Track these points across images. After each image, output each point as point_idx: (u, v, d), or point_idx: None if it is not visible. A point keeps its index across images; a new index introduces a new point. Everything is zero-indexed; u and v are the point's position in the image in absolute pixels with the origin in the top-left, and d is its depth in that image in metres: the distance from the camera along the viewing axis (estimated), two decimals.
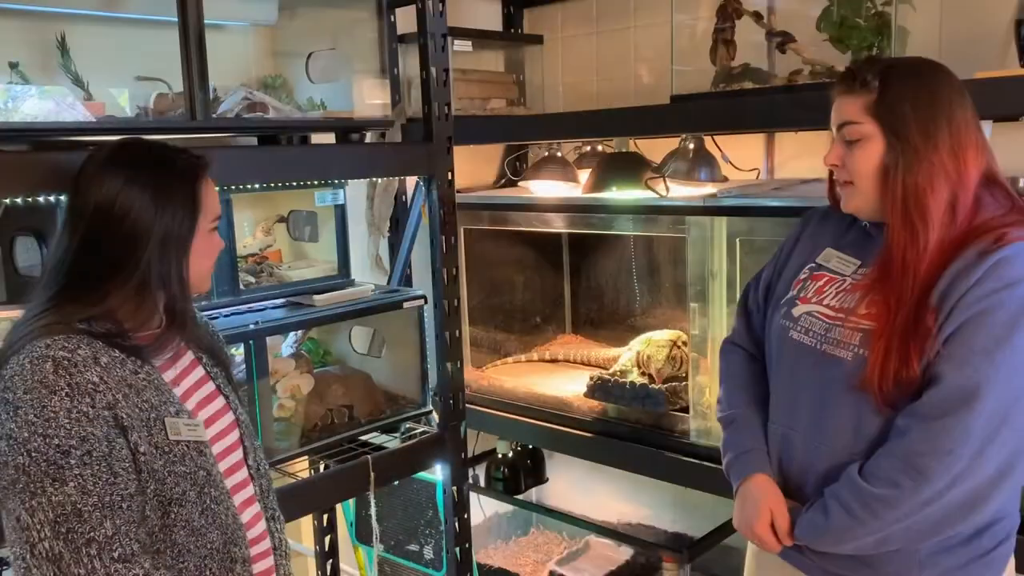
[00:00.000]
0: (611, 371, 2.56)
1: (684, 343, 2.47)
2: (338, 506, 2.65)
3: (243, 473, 1.42)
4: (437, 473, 2.31)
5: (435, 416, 2.31)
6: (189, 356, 1.41)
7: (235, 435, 1.42)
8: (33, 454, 1.14)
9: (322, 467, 2.19)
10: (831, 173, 1.50)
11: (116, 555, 1.15)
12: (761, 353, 1.62)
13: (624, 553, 2.87)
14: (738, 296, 2.14)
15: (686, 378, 2.36)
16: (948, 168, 1.33)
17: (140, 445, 1.21)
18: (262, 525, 1.43)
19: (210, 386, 1.41)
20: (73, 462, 1.14)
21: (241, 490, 1.40)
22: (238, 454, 1.42)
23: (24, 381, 1.16)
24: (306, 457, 2.15)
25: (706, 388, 2.22)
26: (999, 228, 1.30)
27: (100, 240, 1.26)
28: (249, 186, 1.93)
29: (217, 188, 1.84)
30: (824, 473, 1.42)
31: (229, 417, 1.42)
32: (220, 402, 1.42)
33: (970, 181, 1.34)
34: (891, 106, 1.35)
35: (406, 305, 2.22)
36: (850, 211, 1.46)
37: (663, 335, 2.50)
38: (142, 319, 1.30)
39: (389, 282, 2.61)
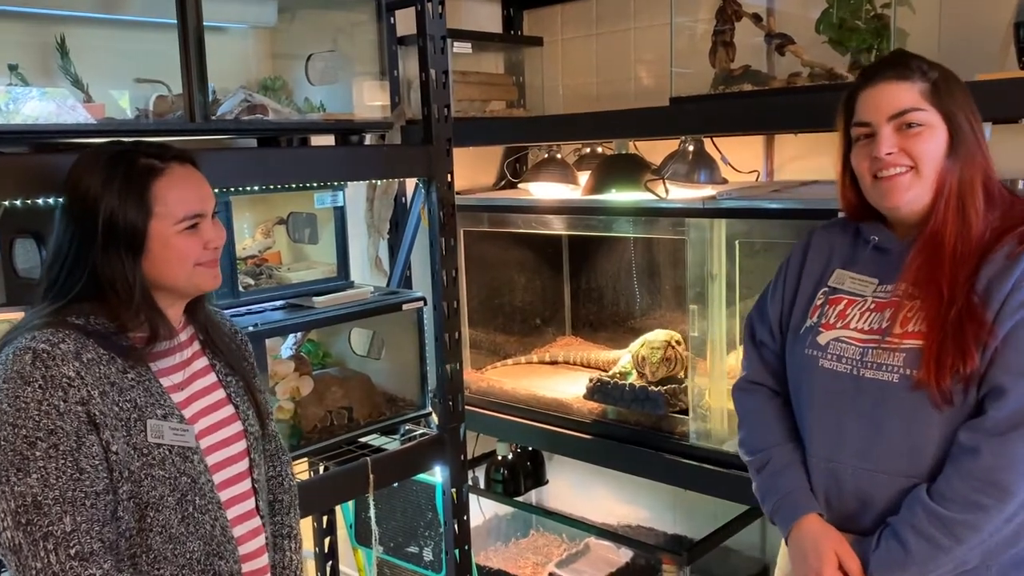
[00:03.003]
0: (611, 373, 2.56)
1: (679, 343, 2.48)
2: (337, 508, 2.64)
3: (244, 486, 1.39)
4: (436, 475, 2.30)
5: (434, 418, 2.31)
6: (203, 362, 1.39)
7: (240, 446, 1.39)
8: (1, 443, 1.14)
9: (321, 469, 2.19)
10: (845, 174, 1.46)
11: (73, 552, 1.14)
12: (782, 387, 1.56)
13: (624, 555, 2.87)
14: (738, 298, 2.15)
15: (682, 379, 2.36)
16: (984, 163, 1.37)
17: (113, 444, 1.20)
18: (259, 541, 1.40)
19: (219, 394, 1.39)
20: (38, 454, 1.14)
21: (239, 503, 1.37)
22: (241, 466, 1.39)
23: (4, 371, 1.17)
24: (305, 459, 2.15)
25: (705, 390, 2.22)
26: (1019, 227, 1.33)
27: (63, 242, 1.27)
28: (248, 188, 1.93)
29: (217, 190, 1.86)
30: (884, 501, 1.37)
31: (236, 427, 1.39)
32: (227, 411, 1.39)
33: (994, 176, 1.38)
34: (948, 97, 1.36)
35: (405, 307, 2.22)
36: (903, 202, 1.38)
37: (659, 336, 2.50)
38: (126, 320, 1.27)
39: (388, 284, 2.61)
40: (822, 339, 1.45)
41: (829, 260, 1.52)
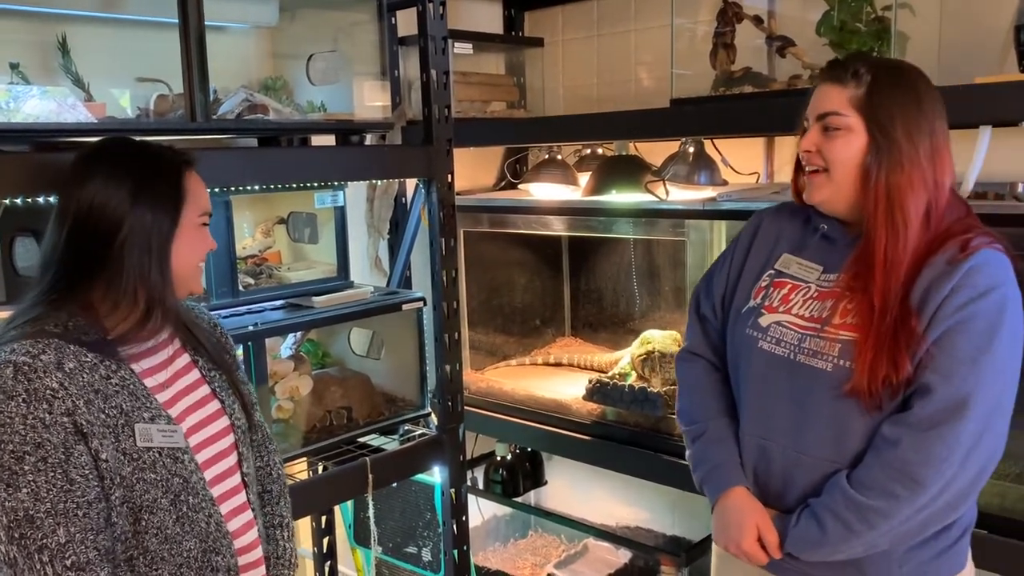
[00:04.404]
0: (610, 374, 2.56)
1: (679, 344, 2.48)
2: (336, 508, 2.65)
3: (235, 480, 1.39)
4: (436, 475, 2.31)
5: (434, 418, 2.31)
6: (185, 359, 1.39)
7: (228, 441, 1.39)
8: None
9: (320, 469, 2.19)
10: (797, 164, 1.51)
11: (69, 562, 1.15)
12: (721, 362, 1.62)
13: (622, 556, 2.87)
14: None
15: None
16: (926, 174, 1.36)
17: (102, 452, 1.20)
18: (253, 534, 1.40)
19: (204, 390, 1.39)
20: (27, 468, 1.14)
21: (231, 497, 1.38)
22: (230, 460, 1.39)
23: None
24: (305, 459, 2.15)
25: None
26: (961, 235, 1.35)
27: (82, 238, 1.25)
28: (249, 188, 1.93)
29: (217, 189, 1.87)
30: (806, 483, 1.43)
31: (223, 422, 1.39)
32: (213, 406, 1.39)
33: (944, 190, 1.39)
34: (880, 103, 1.37)
35: (405, 307, 2.22)
36: (816, 202, 1.46)
37: (667, 339, 2.50)
38: (121, 315, 1.27)
39: (388, 284, 2.61)
40: (764, 321, 1.49)
41: (776, 243, 1.56)
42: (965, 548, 1.46)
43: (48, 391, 1.17)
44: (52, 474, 1.15)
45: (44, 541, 1.14)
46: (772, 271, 1.54)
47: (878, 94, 1.37)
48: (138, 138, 1.38)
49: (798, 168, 1.52)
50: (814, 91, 1.46)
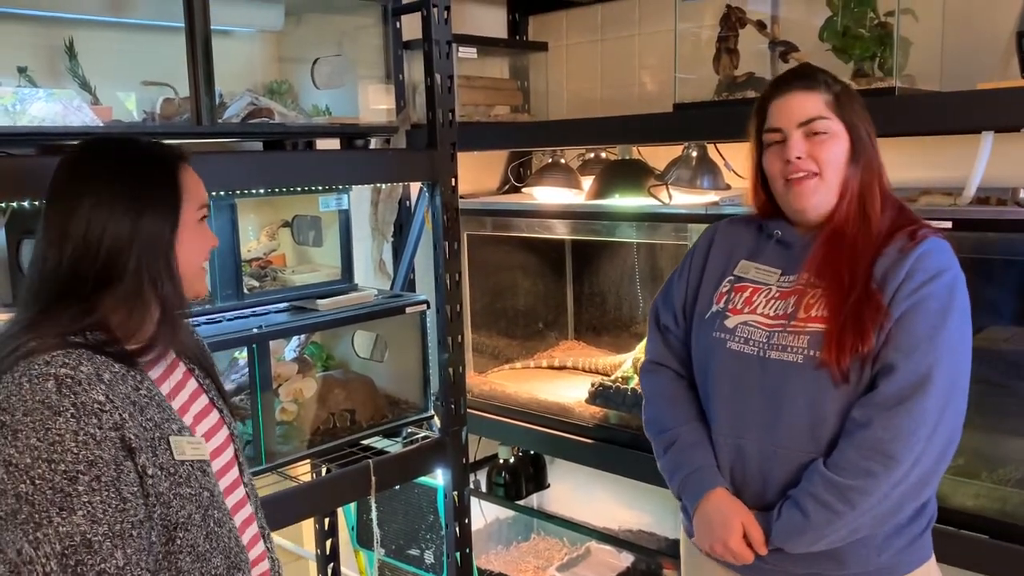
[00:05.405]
0: (613, 377, 2.57)
1: None
2: (339, 510, 2.65)
3: (241, 491, 1.34)
4: (438, 478, 2.31)
5: (437, 421, 2.32)
6: (181, 368, 1.33)
7: (231, 451, 1.34)
8: (37, 481, 1.04)
9: (324, 471, 2.20)
10: (758, 178, 1.58)
11: None
12: (686, 370, 1.65)
13: (625, 559, 2.87)
14: None
15: None
16: (880, 169, 1.50)
17: (148, 467, 1.13)
18: (261, 545, 1.36)
19: (204, 399, 1.33)
20: (81, 489, 1.06)
21: (240, 509, 1.33)
22: (235, 471, 1.34)
23: (23, 402, 1.06)
24: (308, 461, 2.16)
25: None
26: (908, 227, 1.46)
27: (83, 258, 1.17)
28: (254, 191, 1.94)
29: (222, 192, 1.88)
30: (784, 476, 1.46)
31: (224, 432, 1.34)
32: (215, 416, 1.33)
33: (887, 181, 1.50)
34: (849, 107, 1.48)
35: (409, 310, 2.23)
36: (810, 206, 1.49)
37: None
38: (135, 326, 1.20)
39: (392, 287, 2.61)
40: (730, 323, 1.54)
41: (733, 252, 1.62)
42: (930, 539, 1.52)
43: (96, 404, 1.09)
44: (107, 493, 1.07)
45: (103, 566, 1.06)
46: (732, 277, 1.59)
47: (847, 98, 1.48)
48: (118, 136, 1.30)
49: (759, 182, 1.58)
50: (776, 103, 1.50)
